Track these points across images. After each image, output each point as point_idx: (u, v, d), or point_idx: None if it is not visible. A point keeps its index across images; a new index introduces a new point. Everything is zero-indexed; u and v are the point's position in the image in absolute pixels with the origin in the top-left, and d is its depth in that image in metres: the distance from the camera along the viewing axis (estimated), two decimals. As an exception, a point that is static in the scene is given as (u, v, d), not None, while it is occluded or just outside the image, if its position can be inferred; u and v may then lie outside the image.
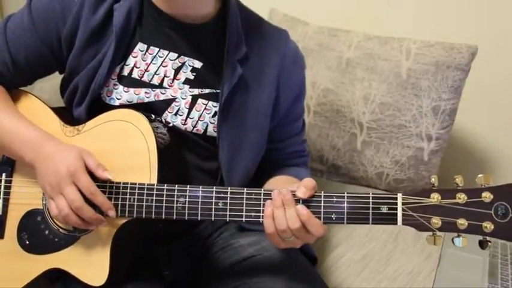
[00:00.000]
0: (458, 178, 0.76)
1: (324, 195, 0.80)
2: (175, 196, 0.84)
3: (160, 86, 0.95)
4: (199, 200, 0.83)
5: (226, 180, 0.97)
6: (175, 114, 0.96)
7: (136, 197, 0.85)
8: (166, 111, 0.95)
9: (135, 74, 0.95)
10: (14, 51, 0.95)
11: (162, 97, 0.95)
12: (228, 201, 0.82)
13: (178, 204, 0.84)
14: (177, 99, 0.95)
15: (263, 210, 0.81)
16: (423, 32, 1.48)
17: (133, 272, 0.94)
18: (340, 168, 1.54)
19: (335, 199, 0.79)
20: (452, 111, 1.38)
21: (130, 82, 0.95)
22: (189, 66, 0.96)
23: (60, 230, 0.91)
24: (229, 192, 0.83)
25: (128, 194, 0.85)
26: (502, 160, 1.63)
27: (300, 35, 1.59)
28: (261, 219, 0.81)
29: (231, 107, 0.96)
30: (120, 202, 0.86)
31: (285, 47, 1.03)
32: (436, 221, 0.76)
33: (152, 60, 0.95)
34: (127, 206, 0.85)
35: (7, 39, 0.95)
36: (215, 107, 0.96)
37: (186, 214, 0.84)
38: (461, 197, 0.75)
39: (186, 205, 0.84)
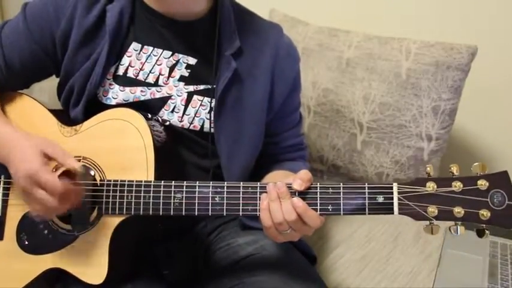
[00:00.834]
0: (454, 167, 0.76)
1: (320, 187, 0.80)
2: (173, 192, 0.84)
3: (155, 84, 0.96)
4: (196, 195, 0.84)
5: (226, 176, 0.98)
6: (172, 111, 0.96)
7: (133, 194, 0.85)
8: (163, 109, 0.96)
9: (130, 73, 0.96)
10: (8, 55, 0.96)
11: (158, 95, 0.96)
12: (225, 195, 0.83)
13: (176, 200, 0.84)
14: (172, 97, 0.96)
15: (260, 203, 0.81)
16: (423, 32, 1.48)
17: (133, 272, 0.94)
18: (340, 168, 1.54)
19: (331, 190, 0.80)
20: (452, 111, 1.38)
21: (125, 81, 0.95)
22: (184, 63, 0.97)
23: (59, 229, 0.91)
24: (225, 187, 0.83)
25: (126, 192, 0.86)
26: (502, 160, 1.62)
27: (300, 35, 1.59)
28: (257, 213, 0.81)
29: (226, 102, 0.96)
30: (117, 200, 0.86)
31: (278, 40, 1.03)
32: (433, 209, 0.76)
33: (147, 59, 0.96)
34: (124, 204, 0.86)
35: (2, 44, 0.97)
36: (210, 102, 0.97)
37: (184, 210, 0.84)
38: (457, 185, 0.75)
39: (183, 201, 0.84)
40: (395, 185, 0.78)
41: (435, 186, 0.76)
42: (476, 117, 1.60)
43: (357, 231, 1.33)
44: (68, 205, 0.84)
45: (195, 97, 0.97)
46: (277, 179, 0.81)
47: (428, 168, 0.77)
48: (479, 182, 0.75)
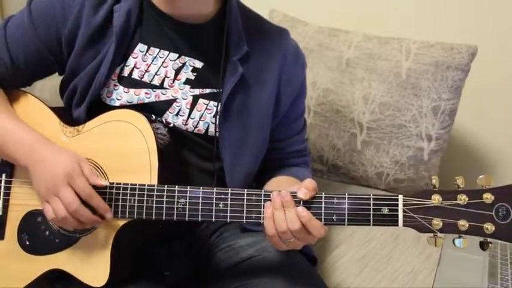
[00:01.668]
0: (459, 179, 0.76)
1: (325, 197, 0.80)
2: (176, 197, 0.84)
3: (161, 86, 0.95)
4: (200, 201, 0.83)
5: (229, 180, 0.97)
6: (177, 114, 0.95)
7: (136, 198, 0.85)
8: (167, 112, 0.95)
9: (135, 75, 0.95)
10: (13, 51, 0.95)
11: (162, 98, 0.95)
12: (229, 202, 0.82)
13: (179, 205, 0.84)
14: (178, 100, 0.95)
15: (264, 211, 0.81)
16: (423, 32, 1.49)
17: (134, 273, 0.94)
18: (340, 168, 1.54)
19: (336, 200, 0.79)
20: (452, 111, 1.38)
21: (130, 83, 0.95)
22: (190, 66, 0.96)
23: (61, 230, 0.91)
24: (229, 193, 0.82)
25: (128, 195, 0.85)
26: (502, 160, 1.63)
27: (300, 35, 1.59)
28: (261, 221, 0.81)
29: (232, 107, 0.96)
30: (120, 203, 0.86)
31: (286, 45, 1.03)
32: (437, 222, 0.76)
33: (153, 60, 0.95)
34: (127, 207, 0.85)
35: (7, 40, 0.95)
36: (216, 106, 0.96)
37: (187, 215, 0.84)
38: (462, 198, 0.75)
39: (187, 206, 0.83)
40: (400, 197, 0.77)
41: (440, 199, 0.76)
42: (476, 117, 1.60)
43: (357, 231, 1.33)
44: (84, 216, 0.83)
45: (201, 101, 0.96)
46: (280, 185, 0.81)
47: (433, 180, 0.77)
48: (485, 195, 0.74)
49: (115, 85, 0.94)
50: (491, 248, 0.76)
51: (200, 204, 0.83)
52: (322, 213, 0.79)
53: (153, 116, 0.95)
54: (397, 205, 0.77)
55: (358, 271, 1.20)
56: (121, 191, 0.85)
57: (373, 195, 0.78)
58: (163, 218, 0.84)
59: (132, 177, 0.86)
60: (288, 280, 0.91)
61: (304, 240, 0.80)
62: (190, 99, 0.96)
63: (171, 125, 0.96)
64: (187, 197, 0.83)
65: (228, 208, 0.82)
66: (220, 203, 0.82)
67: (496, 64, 1.52)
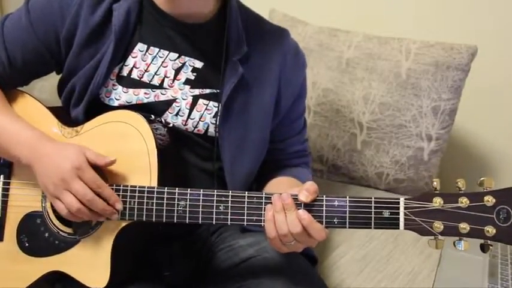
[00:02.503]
0: (460, 182, 0.76)
1: (326, 199, 0.79)
2: (176, 199, 0.83)
3: (160, 86, 0.95)
4: (200, 203, 0.83)
5: (229, 181, 0.97)
6: (176, 114, 0.95)
7: (136, 200, 0.85)
8: (167, 112, 0.95)
9: (135, 75, 0.94)
10: (11, 50, 0.94)
11: (162, 98, 0.95)
12: (229, 204, 0.82)
13: (179, 208, 0.83)
14: (177, 100, 0.95)
15: (264, 214, 0.81)
16: (423, 32, 1.48)
17: (134, 274, 0.94)
18: (340, 168, 1.54)
19: (337, 203, 0.79)
20: (452, 111, 1.38)
21: (129, 83, 0.94)
22: (190, 66, 0.96)
23: (60, 232, 0.91)
24: (230, 196, 0.82)
25: (128, 198, 0.85)
26: (502, 160, 1.63)
27: (300, 35, 1.59)
28: (262, 223, 0.81)
29: (232, 107, 0.96)
30: (120, 205, 0.86)
31: (286, 46, 1.03)
32: (438, 225, 0.75)
33: (152, 60, 0.95)
34: (127, 210, 0.85)
35: (4, 39, 0.95)
36: (216, 107, 0.96)
37: (187, 218, 0.83)
38: (464, 201, 0.75)
39: (187, 208, 0.83)
40: (402, 200, 0.77)
41: (442, 202, 0.76)
42: (476, 117, 1.60)
43: (357, 231, 1.33)
44: (99, 206, 0.83)
45: (201, 101, 0.96)
46: (280, 186, 0.81)
47: (435, 183, 0.77)
48: (486, 198, 0.74)
49: (114, 85, 0.94)
50: (492, 249, 0.76)
51: (200, 206, 0.83)
52: (323, 216, 0.79)
53: (153, 116, 0.95)
54: (398, 208, 0.77)
55: (358, 271, 1.20)
56: (121, 193, 0.85)
57: (374, 198, 0.78)
58: (164, 220, 0.84)
59: (132, 178, 0.86)
60: (288, 280, 0.91)
61: (305, 243, 0.80)
62: (190, 99, 0.96)
63: (171, 125, 0.95)
64: (188, 200, 0.83)
65: (229, 211, 0.82)
66: (220, 206, 0.82)
67: (496, 64, 1.51)
